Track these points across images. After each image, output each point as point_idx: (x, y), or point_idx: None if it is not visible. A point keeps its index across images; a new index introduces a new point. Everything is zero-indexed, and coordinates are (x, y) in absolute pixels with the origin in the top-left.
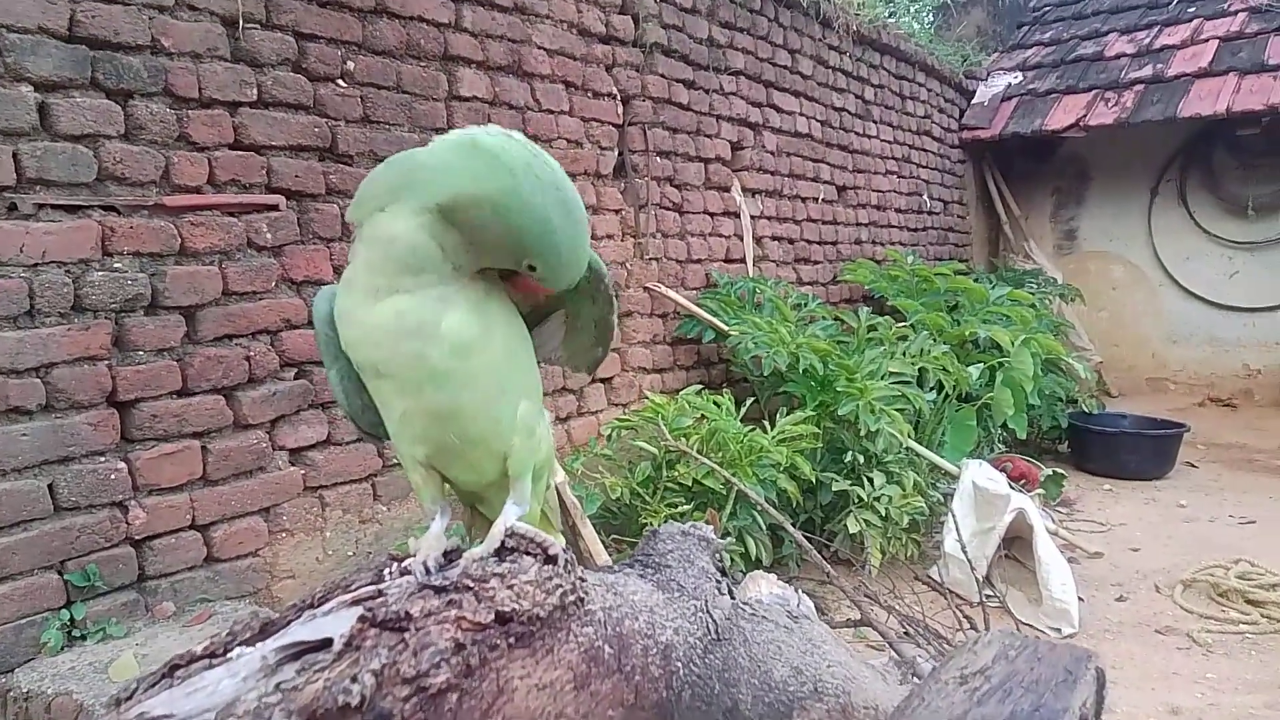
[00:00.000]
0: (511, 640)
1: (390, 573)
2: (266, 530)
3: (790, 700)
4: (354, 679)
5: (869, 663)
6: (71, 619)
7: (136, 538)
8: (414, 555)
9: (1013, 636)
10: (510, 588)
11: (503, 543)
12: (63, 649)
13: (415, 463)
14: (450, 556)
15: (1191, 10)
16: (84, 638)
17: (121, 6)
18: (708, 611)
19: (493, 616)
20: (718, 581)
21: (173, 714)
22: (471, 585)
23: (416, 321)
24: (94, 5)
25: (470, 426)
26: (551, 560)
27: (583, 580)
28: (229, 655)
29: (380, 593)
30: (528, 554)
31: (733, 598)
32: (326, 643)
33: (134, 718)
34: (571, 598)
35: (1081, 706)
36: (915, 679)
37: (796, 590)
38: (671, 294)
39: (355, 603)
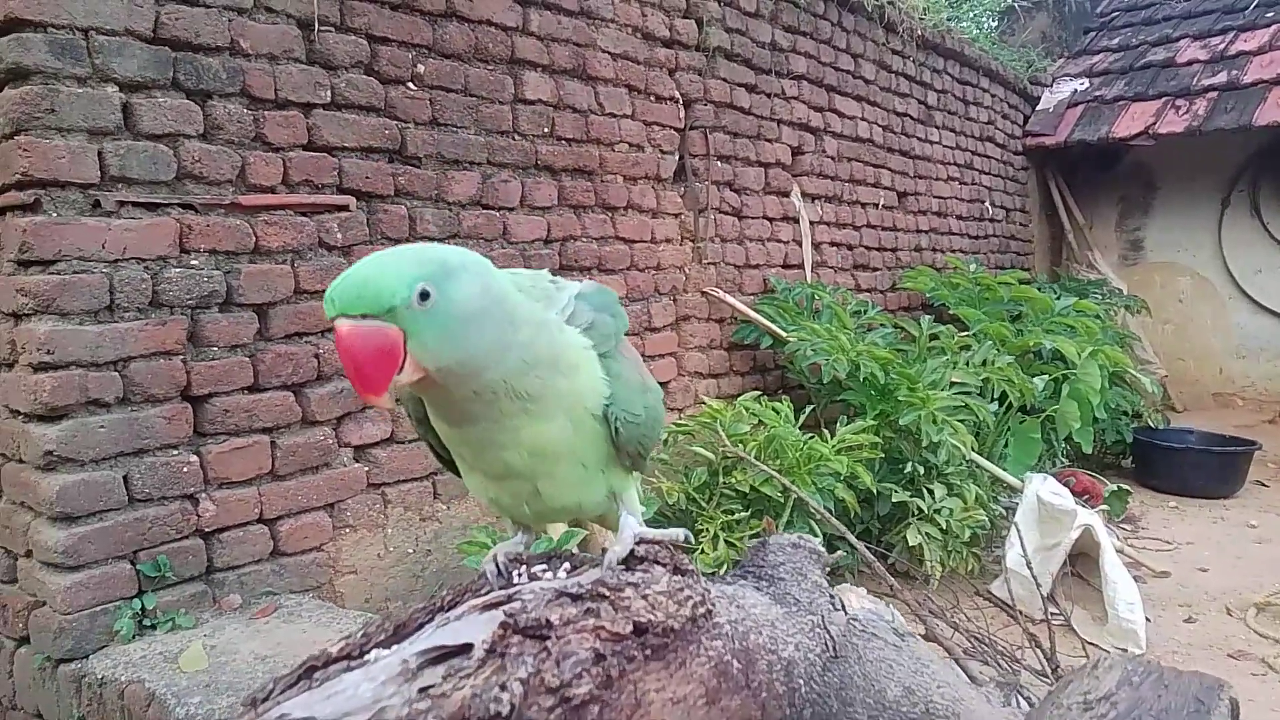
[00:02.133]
0: (647, 652)
1: (519, 576)
2: (330, 526)
3: None
4: (502, 686)
5: (971, 685)
6: (143, 608)
7: (206, 530)
8: (489, 555)
9: (1135, 662)
10: (644, 598)
11: (632, 551)
12: (134, 638)
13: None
14: (515, 561)
15: (1270, 15)
16: (154, 627)
17: (203, 9)
18: (825, 627)
19: (630, 627)
20: (830, 596)
21: (313, 717)
22: (607, 594)
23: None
24: (177, 7)
25: (555, 505)
26: (681, 571)
27: (708, 591)
28: (365, 657)
29: (510, 597)
30: (658, 563)
31: (845, 613)
32: (466, 648)
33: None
34: (701, 610)
35: None
36: (1020, 701)
37: (888, 605)
38: (729, 299)
39: (487, 607)
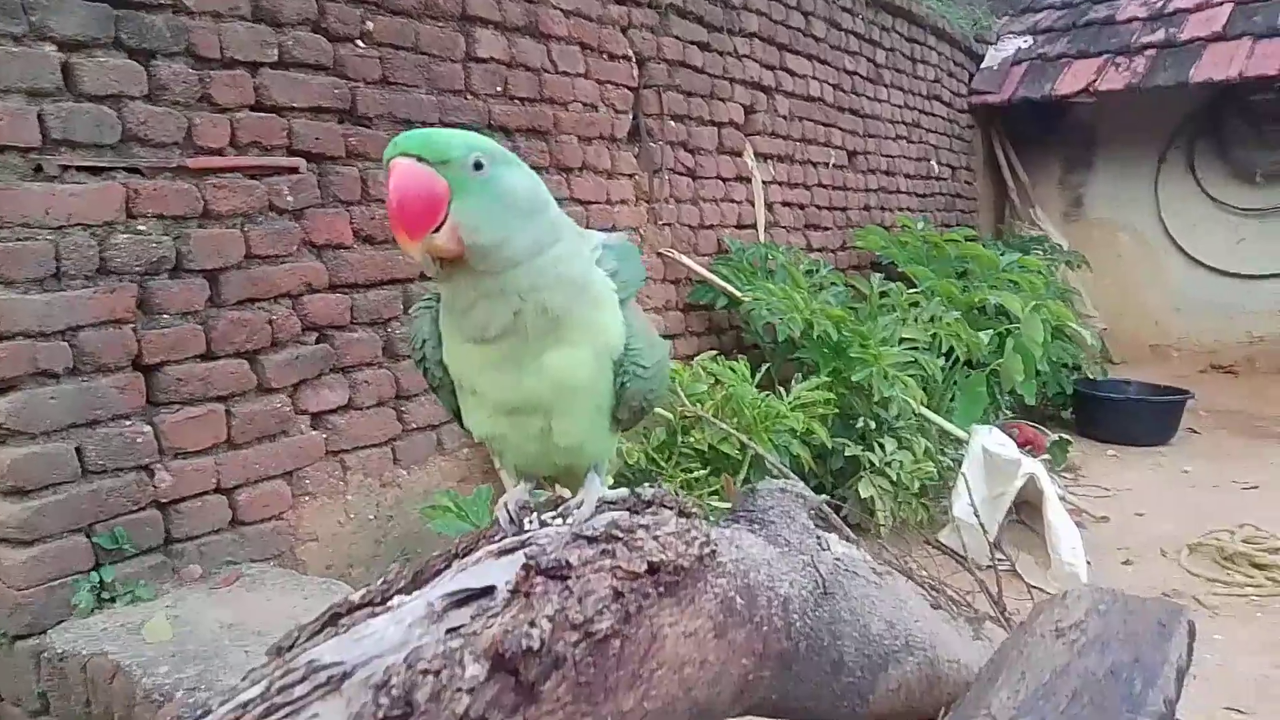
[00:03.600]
0: (661, 589)
1: (531, 523)
2: (290, 494)
3: (886, 654)
4: (531, 623)
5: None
6: (101, 581)
7: (163, 501)
8: (500, 503)
9: (1101, 591)
10: (655, 539)
11: (638, 495)
12: (93, 611)
13: (497, 457)
14: (526, 509)
15: None
16: (113, 600)
17: None
18: (815, 566)
19: (645, 566)
20: (818, 537)
21: (343, 660)
22: (621, 535)
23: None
24: None
25: (562, 445)
26: (686, 514)
27: (710, 533)
28: (389, 604)
29: (525, 543)
30: (664, 506)
31: (831, 552)
32: (490, 589)
33: (304, 665)
34: (707, 549)
35: (1177, 658)
36: (979, 639)
37: (859, 548)
38: (686, 260)
39: (503, 553)
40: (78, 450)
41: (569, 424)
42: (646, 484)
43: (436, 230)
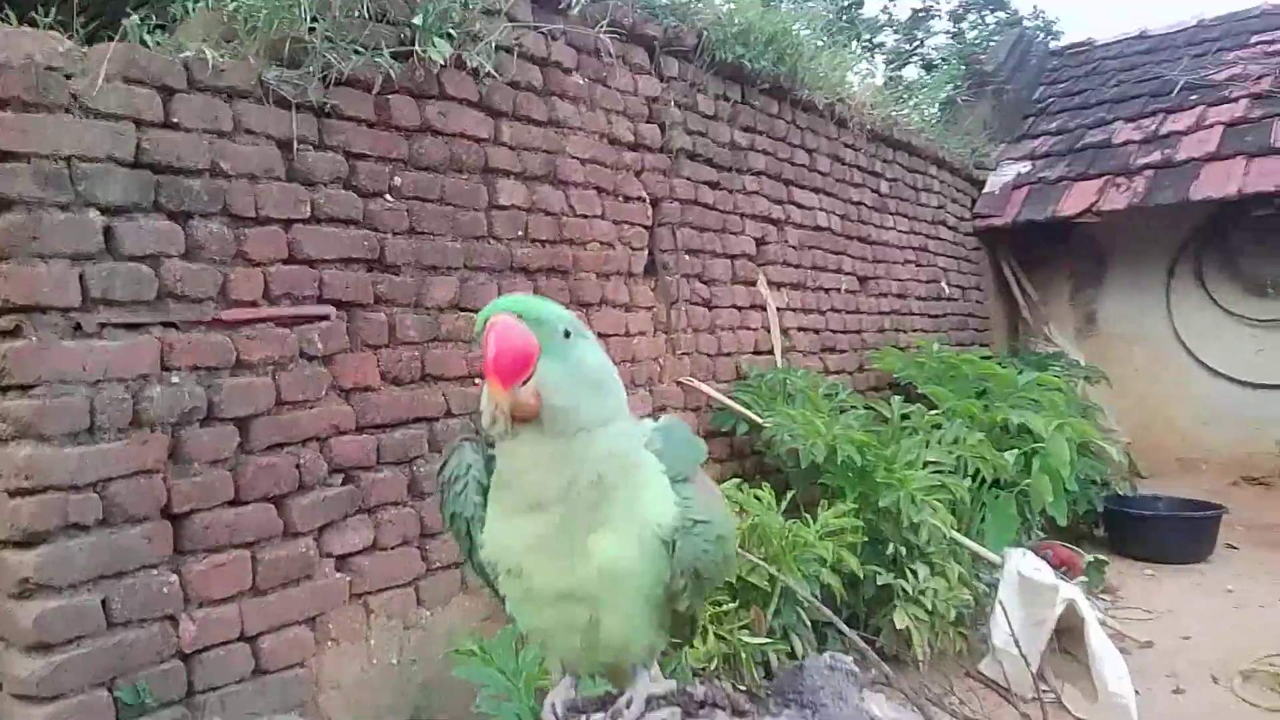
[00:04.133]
0: None
1: None
2: (312, 640)
3: None
4: None
5: None
6: None
7: (186, 651)
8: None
9: None
10: None
11: (689, 694)
12: None
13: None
14: (574, 709)
15: (1194, 98)
16: None
17: (184, 133)
18: None
19: None
20: (871, 718)
21: None
22: None
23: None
24: (159, 133)
25: (608, 643)
26: (739, 713)
27: None
28: None
29: None
30: (718, 706)
31: None
32: None
33: None
34: None
35: None
36: None
37: (911, 707)
38: (704, 387)
39: None
40: (104, 602)
41: (616, 620)
42: (696, 680)
43: (524, 384)
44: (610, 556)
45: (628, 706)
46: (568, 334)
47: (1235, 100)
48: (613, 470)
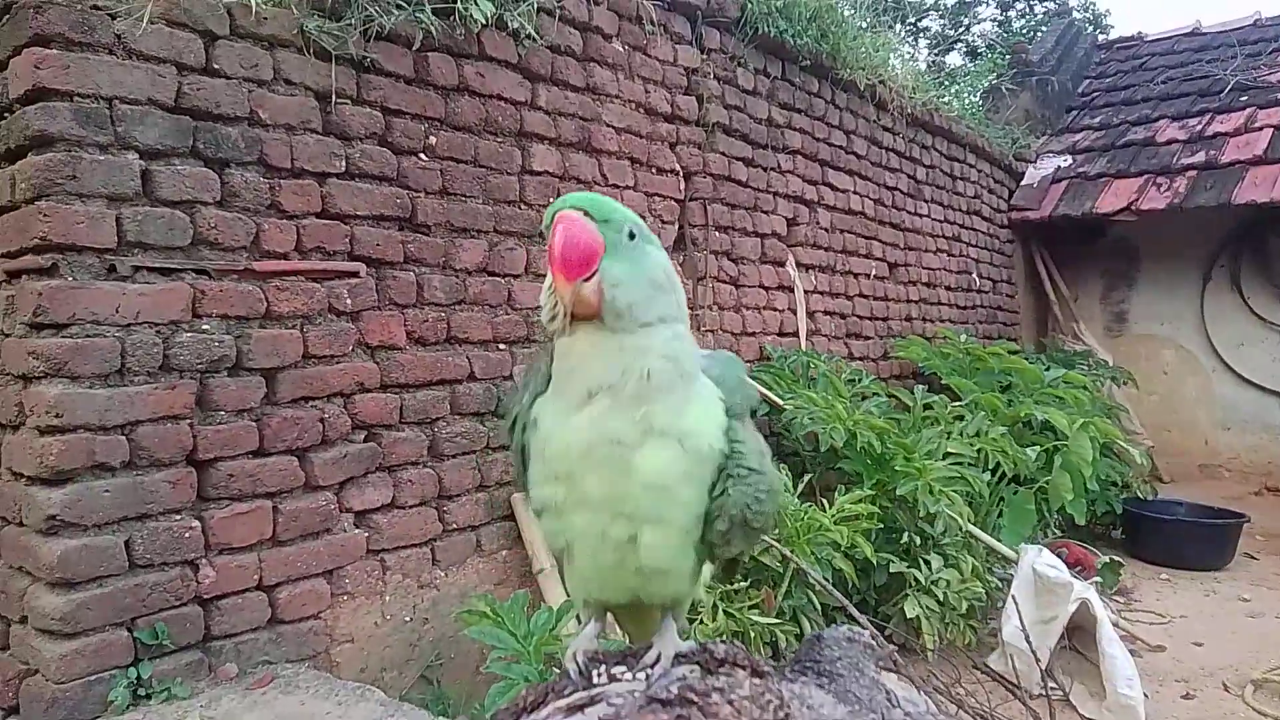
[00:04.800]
0: None
1: (599, 675)
2: (329, 593)
3: None
4: None
5: None
6: (138, 677)
7: (205, 597)
8: (569, 651)
9: None
10: (730, 703)
11: (710, 652)
12: (129, 708)
13: (568, 579)
14: (595, 660)
15: (1244, 99)
16: (149, 697)
17: (224, 80)
18: None
19: None
20: (887, 692)
21: None
22: (695, 699)
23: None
24: (199, 79)
25: (649, 564)
26: (759, 674)
27: (783, 693)
28: None
29: (593, 699)
30: (738, 665)
31: (900, 709)
32: None
33: None
34: (781, 714)
35: None
36: None
37: (919, 690)
38: None
39: (572, 709)
40: (126, 544)
41: (657, 538)
42: (719, 639)
43: (586, 280)
44: (656, 468)
45: (653, 663)
46: (633, 235)
47: None
48: (666, 371)
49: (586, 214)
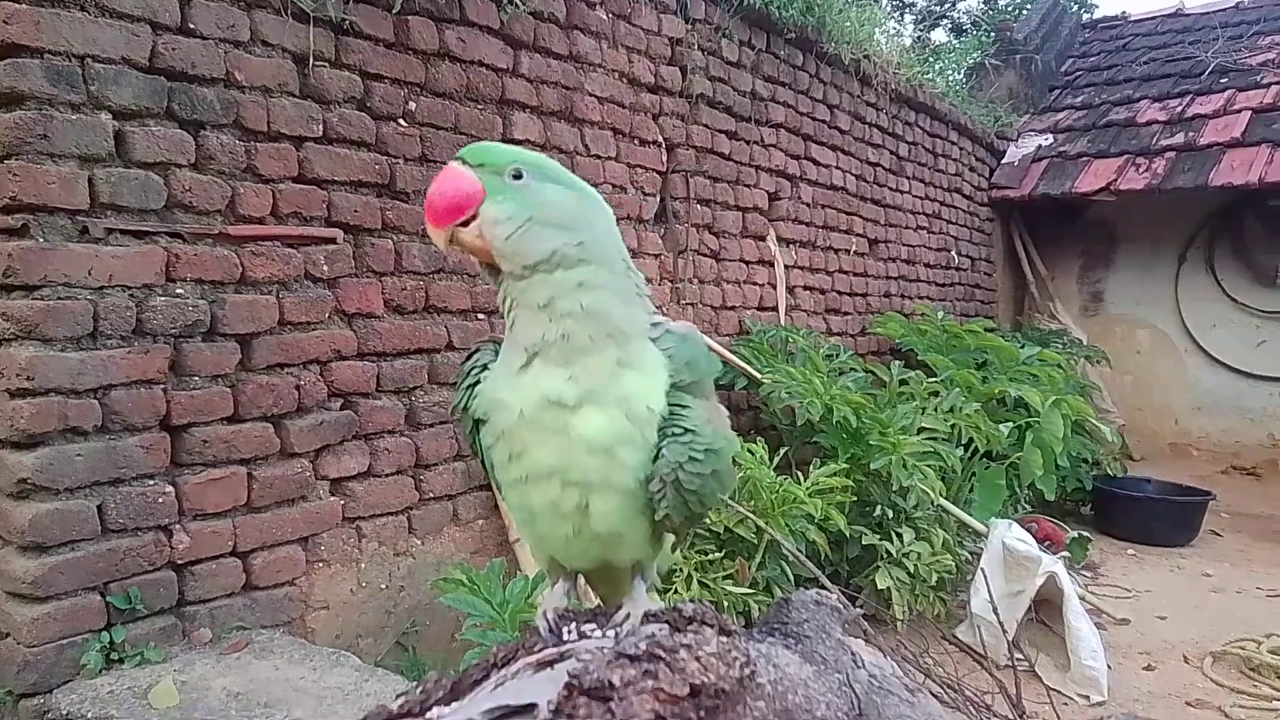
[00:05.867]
0: (701, 714)
1: (569, 633)
2: (304, 560)
3: None
4: None
5: None
6: (111, 641)
7: (179, 562)
8: (539, 610)
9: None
10: (697, 659)
11: (679, 611)
12: (101, 672)
13: (531, 547)
14: (565, 618)
15: (1224, 81)
16: (122, 661)
17: (199, 40)
18: (850, 685)
19: (687, 689)
20: (852, 654)
21: None
22: (663, 655)
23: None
24: (174, 38)
25: (600, 529)
26: (726, 632)
27: (750, 652)
28: (427, 715)
29: (563, 655)
30: (705, 623)
31: (865, 670)
32: (530, 707)
33: None
34: (747, 670)
35: None
36: None
37: (887, 656)
38: (707, 340)
39: (541, 665)
40: (99, 508)
41: (607, 505)
42: (687, 599)
43: (466, 225)
44: (595, 430)
45: (624, 620)
46: (519, 175)
47: (1267, 86)
48: (580, 332)
49: (464, 162)
